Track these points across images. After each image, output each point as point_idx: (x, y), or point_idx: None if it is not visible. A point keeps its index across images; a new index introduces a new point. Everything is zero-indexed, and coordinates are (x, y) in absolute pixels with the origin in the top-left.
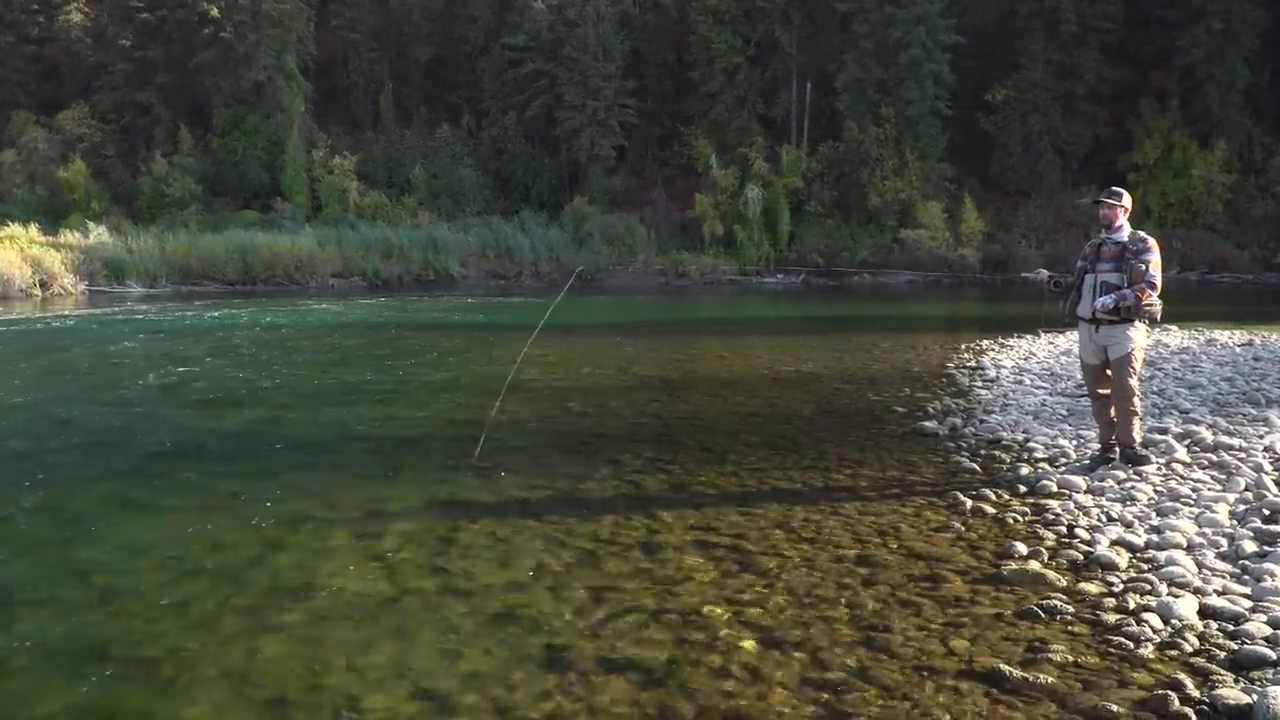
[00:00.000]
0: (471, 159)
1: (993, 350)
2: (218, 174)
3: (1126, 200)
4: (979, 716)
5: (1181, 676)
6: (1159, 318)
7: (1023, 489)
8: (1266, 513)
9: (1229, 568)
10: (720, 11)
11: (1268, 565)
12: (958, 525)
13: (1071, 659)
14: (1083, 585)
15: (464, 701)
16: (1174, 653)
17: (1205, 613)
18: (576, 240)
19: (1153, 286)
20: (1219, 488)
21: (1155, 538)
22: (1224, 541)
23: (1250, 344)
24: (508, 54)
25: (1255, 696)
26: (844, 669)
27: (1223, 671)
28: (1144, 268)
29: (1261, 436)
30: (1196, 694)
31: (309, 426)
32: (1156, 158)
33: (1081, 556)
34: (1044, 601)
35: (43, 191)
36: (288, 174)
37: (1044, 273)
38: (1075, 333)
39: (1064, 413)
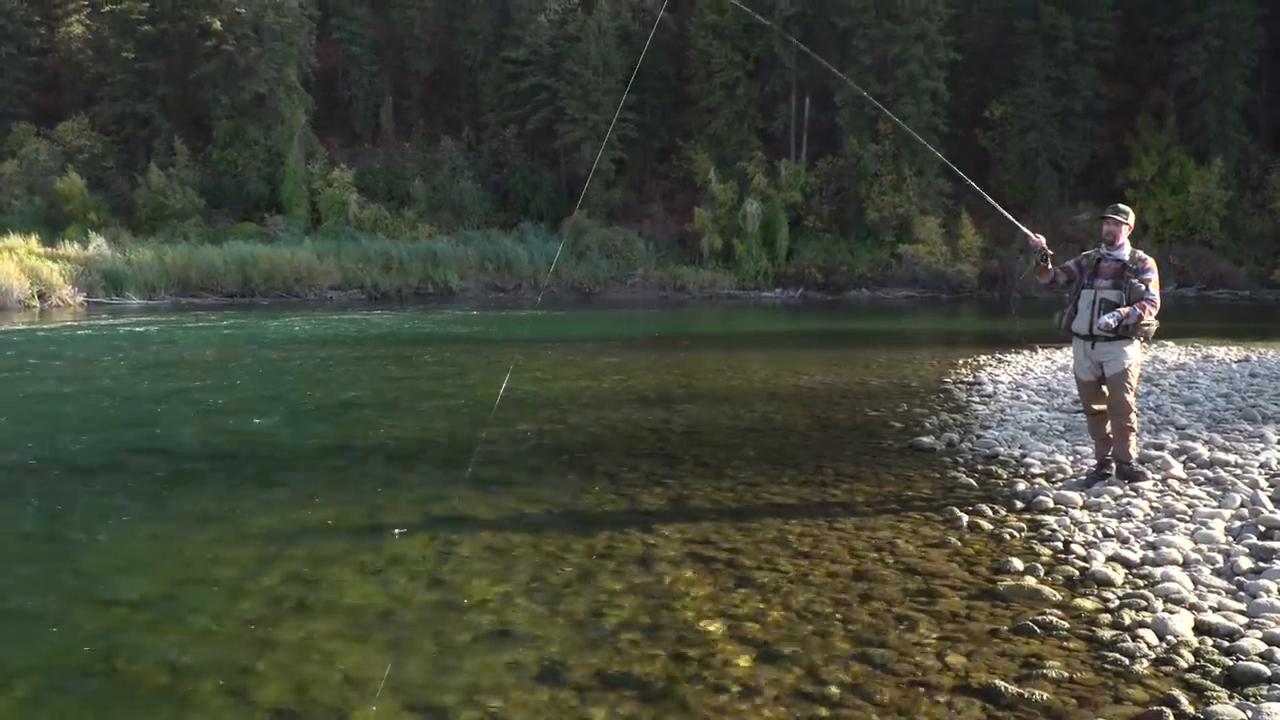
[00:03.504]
0: (471, 172)
1: (990, 365)
2: (217, 186)
3: (1131, 218)
4: None
5: (1176, 693)
6: (1152, 335)
7: (1019, 504)
8: (1262, 529)
9: (1224, 584)
10: (720, 27)
11: (1263, 582)
12: (954, 541)
13: (1067, 675)
14: (1078, 601)
15: (460, 716)
16: (1169, 669)
17: (1201, 629)
18: (575, 253)
19: (1153, 304)
20: (1215, 504)
21: (1151, 554)
22: (1220, 558)
23: (1247, 360)
24: (508, 68)
25: (1250, 713)
26: (840, 684)
27: (1218, 688)
28: (1144, 287)
29: (1257, 453)
30: (1191, 710)
31: (308, 439)
32: (1154, 174)
33: (1077, 572)
34: (1040, 617)
35: (42, 203)
36: (287, 186)
37: (1043, 240)
38: (1071, 349)
39: (1061, 428)
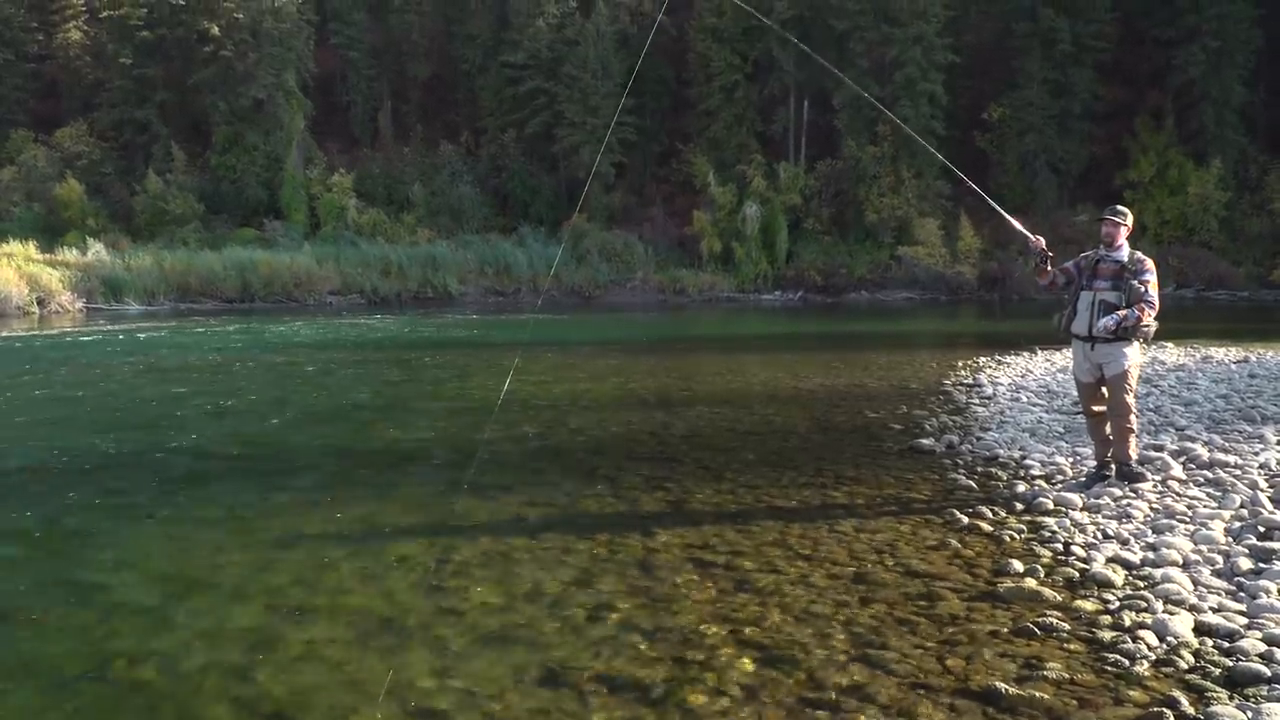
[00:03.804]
0: (470, 176)
1: (990, 367)
2: (216, 191)
3: (1129, 219)
4: None
5: (1177, 694)
6: (1151, 337)
7: (1019, 506)
8: (1262, 529)
9: (1224, 585)
10: (719, 30)
11: (1263, 582)
12: (954, 543)
13: (1067, 676)
14: (1079, 602)
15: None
16: (1169, 670)
17: (1201, 630)
18: (575, 257)
19: (1152, 306)
20: (1214, 505)
21: (1151, 555)
22: (1219, 558)
23: (1246, 361)
24: (507, 72)
25: (1250, 714)
26: (840, 687)
27: (1218, 689)
28: (1143, 288)
29: (1257, 453)
30: (1192, 711)
31: (311, 442)
32: (1152, 175)
33: (1077, 574)
34: (1040, 619)
35: (40, 209)
36: (286, 191)
37: (1042, 241)
38: (1070, 350)
39: (1060, 430)
